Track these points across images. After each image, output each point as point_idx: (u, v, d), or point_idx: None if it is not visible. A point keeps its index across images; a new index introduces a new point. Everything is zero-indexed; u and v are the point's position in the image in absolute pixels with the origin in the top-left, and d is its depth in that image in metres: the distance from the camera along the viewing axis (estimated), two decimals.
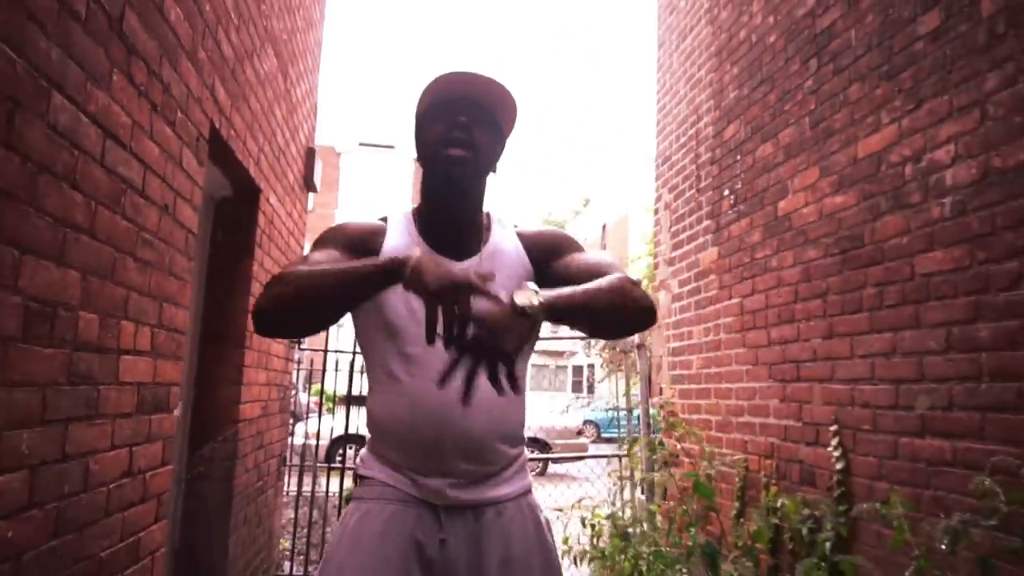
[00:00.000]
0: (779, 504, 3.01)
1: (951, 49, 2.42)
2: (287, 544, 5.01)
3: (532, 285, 1.14)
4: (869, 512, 2.38)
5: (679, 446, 4.20)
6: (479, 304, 1.06)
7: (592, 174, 35.83)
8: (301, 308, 1.16)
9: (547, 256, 1.42)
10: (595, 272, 1.31)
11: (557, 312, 1.14)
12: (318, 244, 1.35)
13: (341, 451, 6.99)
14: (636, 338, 5.44)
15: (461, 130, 1.30)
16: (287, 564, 4.74)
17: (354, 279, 1.15)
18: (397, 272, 1.10)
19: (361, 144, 26.86)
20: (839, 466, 2.79)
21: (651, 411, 4.93)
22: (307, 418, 7.97)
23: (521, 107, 1.39)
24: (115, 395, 1.81)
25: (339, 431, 7.50)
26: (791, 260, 3.29)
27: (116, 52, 1.73)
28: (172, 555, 2.81)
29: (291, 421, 5.16)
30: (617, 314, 1.26)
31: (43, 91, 1.43)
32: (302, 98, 4.30)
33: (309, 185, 4.78)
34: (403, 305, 1.30)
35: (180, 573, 2.84)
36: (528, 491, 1.42)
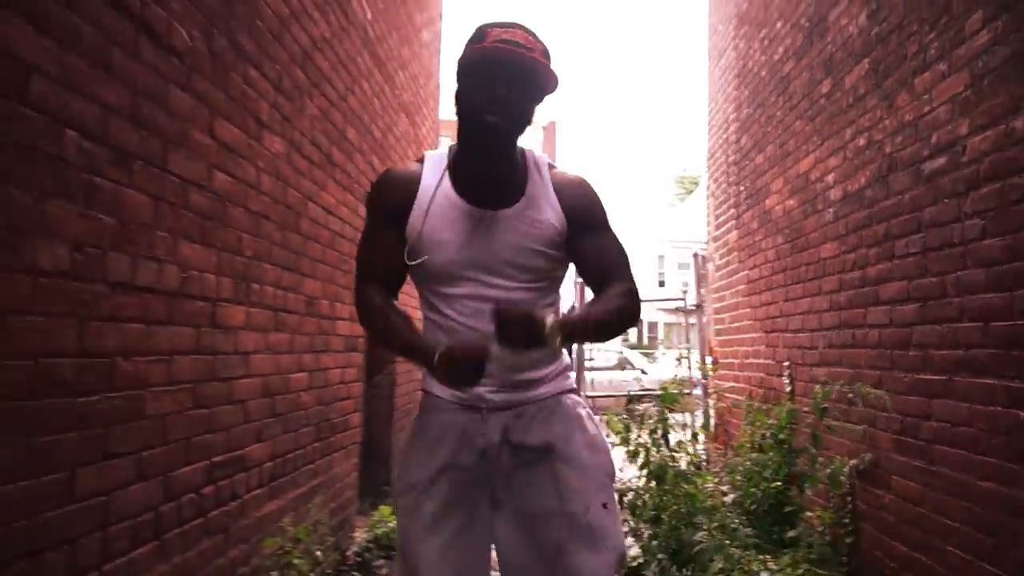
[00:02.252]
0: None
1: (834, 107, 3.59)
2: None
3: (553, 323, 1.29)
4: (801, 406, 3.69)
5: (721, 385, 5.52)
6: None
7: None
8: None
9: (579, 220, 1.47)
10: (608, 273, 1.47)
11: (570, 340, 1.39)
12: (368, 212, 1.53)
13: None
14: (696, 299, 6.72)
15: (500, 102, 1.34)
16: None
17: (398, 346, 1.49)
18: (427, 363, 1.34)
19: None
20: (788, 389, 4.07)
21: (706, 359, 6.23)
22: None
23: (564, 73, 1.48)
24: (335, 341, 3.52)
25: None
26: (770, 244, 4.52)
27: (329, 172, 3.38)
28: (362, 443, 4.61)
29: None
30: (615, 334, 1.50)
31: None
32: (424, 137, 5.93)
33: None
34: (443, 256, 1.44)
35: (365, 453, 4.63)
36: (569, 390, 1.54)
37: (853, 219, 3.35)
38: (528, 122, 1.42)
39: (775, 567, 2.89)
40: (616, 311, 1.43)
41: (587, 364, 12.49)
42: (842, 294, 3.43)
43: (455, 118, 1.45)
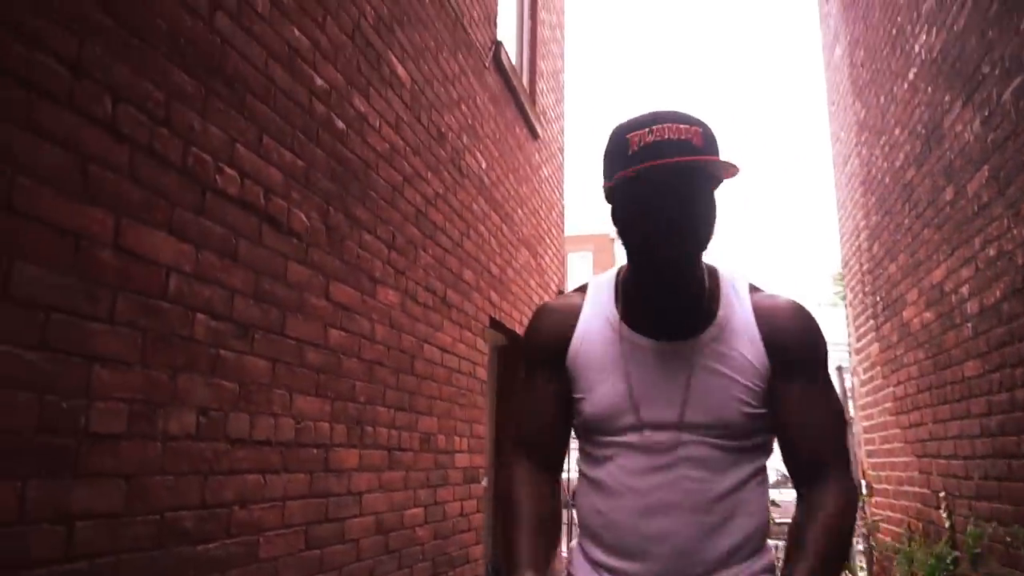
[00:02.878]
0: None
1: (959, 215, 3.38)
2: None
3: None
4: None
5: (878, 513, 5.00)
6: None
7: None
8: None
9: (782, 357, 1.11)
10: (817, 453, 1.10)
11: None
12: (526, 363, 1.25)
13: None
14: (846, 415, 6.22)
15: (672, 228, 1.04)
16: None
17: (504, 549, 1.12)
18: None
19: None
20: (947, 524, 3.62)
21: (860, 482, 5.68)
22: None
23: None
24: (453, 474, 3.64)
25: None
26: (912, 359, 4.17)
27: (448, 314, 3.64)
28: (489, 565, 4.60)
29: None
30: (839, 569, 1.08)
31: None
32: (548, 265, 6.19)
33: None
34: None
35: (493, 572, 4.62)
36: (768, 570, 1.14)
37: (994, 335, 3.06)
38: (711, 231, 1.09)
39: None
40: (840, 541, 1.05)
41: None
42: (992, 418, 3.09)
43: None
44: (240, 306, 2.02)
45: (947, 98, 3.53)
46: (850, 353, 6.00)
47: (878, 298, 4.93)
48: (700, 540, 1.08)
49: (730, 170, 1.03)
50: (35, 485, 1.41)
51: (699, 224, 1.07)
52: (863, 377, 5.50)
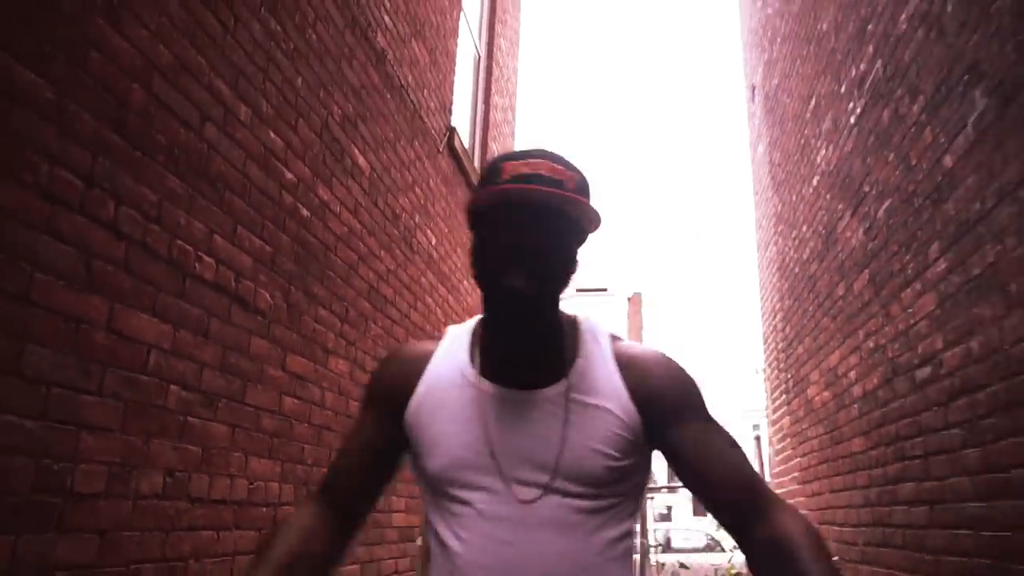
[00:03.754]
0: None
1: (849, 309, 3.87)
2: None
3: None
4: None
5: None
6: None
7: None
8: None
9: (658, 408, 1.04)
10: (740, 491, 1.00)
11: None
12: (361, 405, 1.16)
13: None
14: None
15: (521, 257, 0.99)
16: None
17: None
18: None
19: (578, 290, 29.79)
20: None
21: None
22: None
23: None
24: (389, 532, 3.85)
25: None
26: (814, 433, 4.62)
27: None
28: None
29: None
30: None
31: None
32: None
33: None
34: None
35: None
36: None
37: (872, 417, 3.51)
38: (566, 277, 1.05)
39: None
40: (828, 553, 0.94)
41: (675, 546, 11.96)
42: (872, 490, 3.51)
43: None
44: (208, 377, 2.27)
45: (840, 206, 4.07)
46: (769, 424, 6.47)
47: (789, 375, 5.41)
48: None
49: (594, 222, 1.02)
50: (26, 540, 1.63)
51: (553, 259, 1.01)
52: (777, 447, 5.95)
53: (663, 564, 7.59)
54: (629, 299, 31.22)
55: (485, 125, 6.31)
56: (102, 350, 1.85)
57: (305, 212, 2.94)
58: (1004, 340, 2.25)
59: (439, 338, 1.16)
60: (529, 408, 1.04)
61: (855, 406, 3.78)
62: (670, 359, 1.11)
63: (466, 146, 5.58)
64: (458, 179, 5.30)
